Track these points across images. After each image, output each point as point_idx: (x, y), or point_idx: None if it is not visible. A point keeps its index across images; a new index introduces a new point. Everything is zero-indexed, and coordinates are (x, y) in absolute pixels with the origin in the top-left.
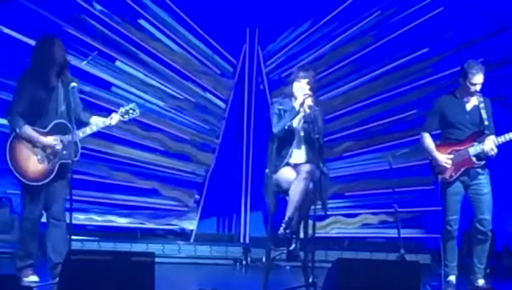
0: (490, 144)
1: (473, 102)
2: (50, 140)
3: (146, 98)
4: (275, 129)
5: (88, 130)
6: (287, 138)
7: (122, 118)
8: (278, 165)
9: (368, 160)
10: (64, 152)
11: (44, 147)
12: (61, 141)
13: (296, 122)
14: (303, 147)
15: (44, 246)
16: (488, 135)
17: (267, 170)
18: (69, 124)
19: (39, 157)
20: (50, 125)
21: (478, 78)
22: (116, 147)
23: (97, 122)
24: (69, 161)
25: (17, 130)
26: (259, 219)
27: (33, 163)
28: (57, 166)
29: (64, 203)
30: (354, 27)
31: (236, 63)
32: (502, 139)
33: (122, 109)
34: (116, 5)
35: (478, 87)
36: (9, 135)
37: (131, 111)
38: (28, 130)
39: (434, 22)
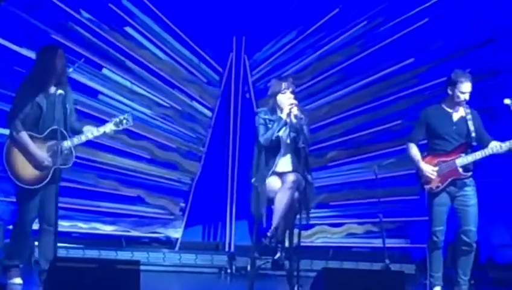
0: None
1: (460, 113)
2: (41, 152)
3: (133, 106)
4: (262, 139)
5: (83, 138)
6: (273, 148)
7: (116, 128)
8: (264, 174)
9: (353, 170)
10: (59, 158)
11: (35, 153)
12: (56, 147)
13: (282, 132)
14: (289, 156)
15: (30, 252)
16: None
17: (253, 179)
18: (65, 131)
19: (34, 162)
20: (46, 132)
21: (467, 87)
22: (103, 155)
23: (92, 130)
24: (63, 167)
25: (15, 135)
26: (244, 228)
27: (28, 168)
28: (51, 171)
29: (56, 209)
30: (340, 37)
31: (222, 71)
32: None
33: (116, 119)
34: (104, 13)
35: (467, 96)
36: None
37: (125, 121)
38: (25, 136)
39: (420, 33)
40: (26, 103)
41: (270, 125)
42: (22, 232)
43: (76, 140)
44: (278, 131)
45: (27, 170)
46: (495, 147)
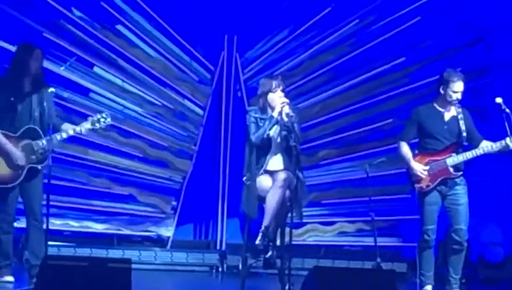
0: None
1: (451, 113)
2: (15, 151)
3: (124, 105)
4: (254, 138)
5: (58, 137)
6: (264, 146)
7: (93, 126)
8: (255, 173)
9: (344, 168)
10: (33, 157)
11: (11, 152)
12: (31, 146)
13: (274, 130)
14: (280, 154)
15: (20, 250)
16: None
17: (244, 178)
18: (39, 130)
19: (7, 160)
20: (21, 130)
21: (459, 86)
22: (95, 153)
23: (67, 129)
24: (38, 166)
25: None
26: (236, 226)
27: (2, 166)
28: (25, 170)
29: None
30: (332, 35)
31: (214, 70)
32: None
33: (94, 118)
34: (95, 11)
35: (459, 96)
36: None
37: (102, 119)
38: None
39: (411, 32)
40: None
41: (261, 124)
42: (5, 231)
43: (53, 139)
44: (270, 129)
45: (1, 169)
46: (486, 147)
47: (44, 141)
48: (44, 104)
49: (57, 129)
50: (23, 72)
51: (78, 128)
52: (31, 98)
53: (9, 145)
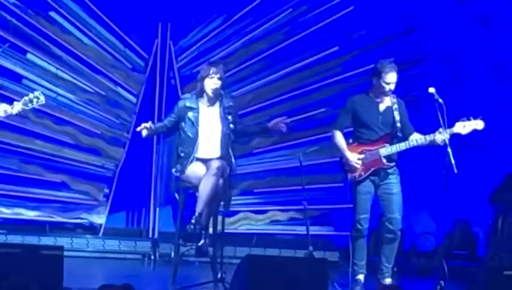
0: (442, 137)
1: (386, 103)
2: None
3: (57, 92)
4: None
5: None
6: (195, 135)
7: (25, 107)
8: (184, 163)
9: (278, 157)
10: None
11: None
12: None
13: (208, 118)
14: (213, 142)
15: None
16: (410, 134)
17: (173, 169)
18: None
19: None
20: None
21: (392, 77)
22: (27, 140)
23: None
24: None
25: None
26: (168, 214)
27: None
28: None
29: None
30: (265, 24)
31: (148, 57)
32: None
33: (26, 98)
34: None
35: (392, 86)
36: None
37: (35, 99)
38: None
39: (344, 21)
40: None
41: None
42: None
43: None
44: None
45: None
46: (420, 139)
47: None
48: None
49: None
50: None
51: (9, 110)
52: None
53: None
